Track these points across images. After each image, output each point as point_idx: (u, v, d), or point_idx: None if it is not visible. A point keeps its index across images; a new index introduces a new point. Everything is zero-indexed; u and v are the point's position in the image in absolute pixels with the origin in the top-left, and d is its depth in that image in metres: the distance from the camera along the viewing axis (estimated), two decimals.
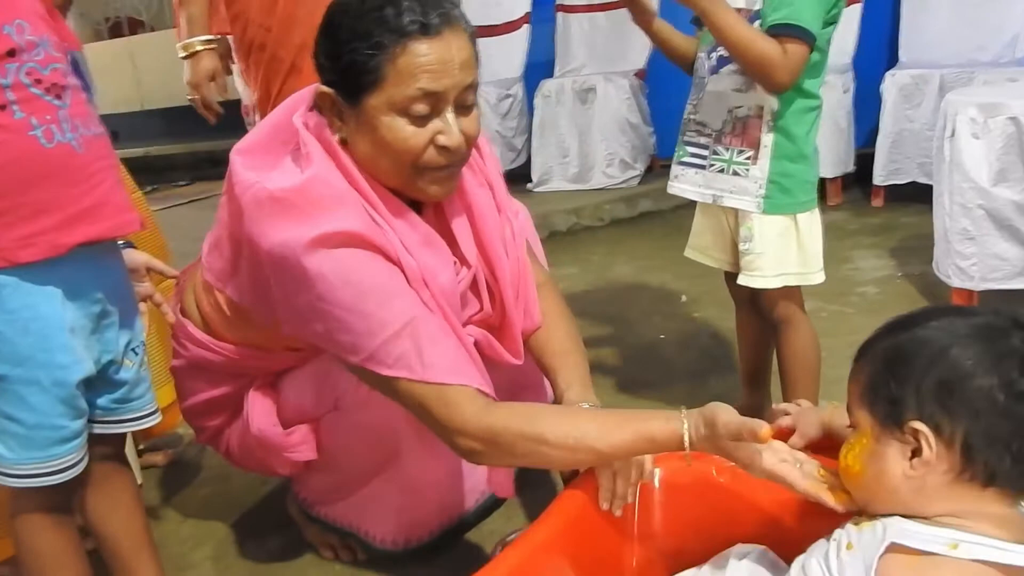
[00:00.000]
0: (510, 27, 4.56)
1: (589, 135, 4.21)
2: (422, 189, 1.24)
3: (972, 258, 2.20)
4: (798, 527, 1.17)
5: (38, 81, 1.06)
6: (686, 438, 1.06)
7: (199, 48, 2.10)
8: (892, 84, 3.42)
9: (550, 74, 4.47)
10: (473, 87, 1.21)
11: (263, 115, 2.08)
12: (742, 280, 1.61)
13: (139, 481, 1.93)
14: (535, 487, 1.70)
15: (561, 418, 1.15)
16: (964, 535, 0.86)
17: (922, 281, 2.59)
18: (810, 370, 1.63)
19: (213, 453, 1.66)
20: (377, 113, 1.17)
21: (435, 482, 1.47)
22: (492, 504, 1.60)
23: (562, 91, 4.23)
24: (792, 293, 1.61)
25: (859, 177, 3.75)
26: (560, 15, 4.49)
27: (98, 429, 1.23)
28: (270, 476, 1.59)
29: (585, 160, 4.25)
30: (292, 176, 1.20)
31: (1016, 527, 0.88)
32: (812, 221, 1.57)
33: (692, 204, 1.72)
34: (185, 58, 2.11)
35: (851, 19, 3.68)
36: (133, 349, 1.24)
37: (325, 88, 1.21)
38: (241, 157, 1.26)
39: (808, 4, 1.40)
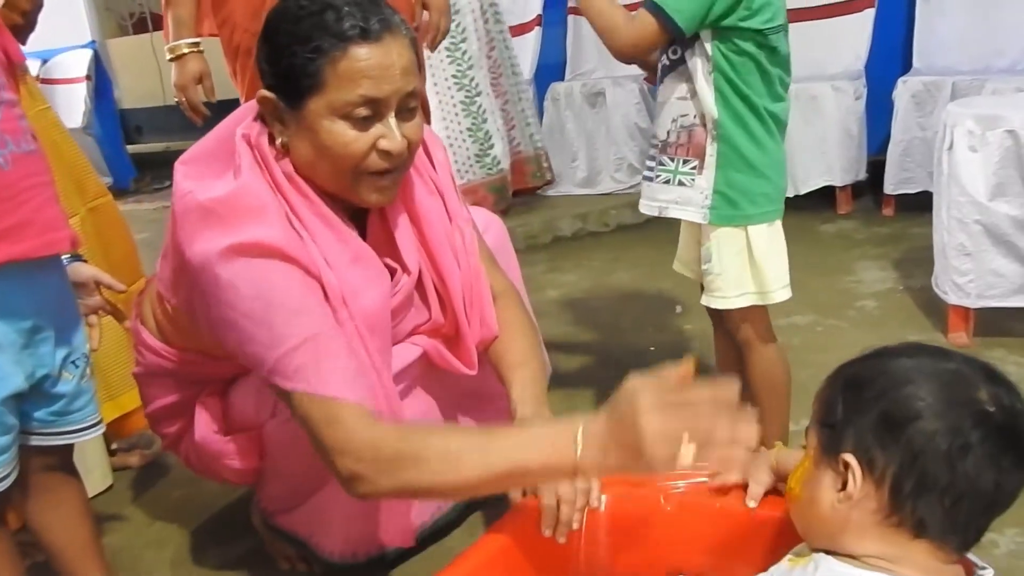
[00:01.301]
0: (522, 29, 4.52)
1: (597, 139, 4.17)
2: (362, 197, 1.23)
3: (969, 274, 2.13)
4: (742, 559, 1.14)
5: None
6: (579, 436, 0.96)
7: (185, 51, 2.09)
8: (904, 90, 3.33)
9: (562, 77, 4.42)
10: (415, 94, 1.20)
11: None
12: (704, 301, 1.57)
13: (110, 482, 1.94)
14: (498, 505, 1.66)
15: (445, 432, 1.12)
16: None
17: (923, 296, 2.51)
18: (777, 394, 1.58)
19: None
20: (318, 117, 1.16)
21: None
22: (452, 520, 1.58)
23: (571, 94, 4.19)
24: (753, 314, 1.55)
25: (872, 185, 3.67)
26: (572, 18, 4.45)
27: (36, 441, 1.21)
28: (224, 484, 1.58)
29: (593, 164, 4.21)
30: (224, 187, 1.19)
31: None
32: (770, 236, 1.52)
33: None
34: (172, 60, 2.11)
35: (864, 24, 3.61)
36: (73, 362, 1.22)
37: (266, 92, 1.20)
38: (184, 167, 1.25)
39: None
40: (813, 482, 0.90)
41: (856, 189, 3.69)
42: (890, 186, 3.44)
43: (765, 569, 1.09)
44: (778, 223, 1.54)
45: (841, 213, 3.63)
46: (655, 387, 0.92)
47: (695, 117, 1.47)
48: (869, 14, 3.59)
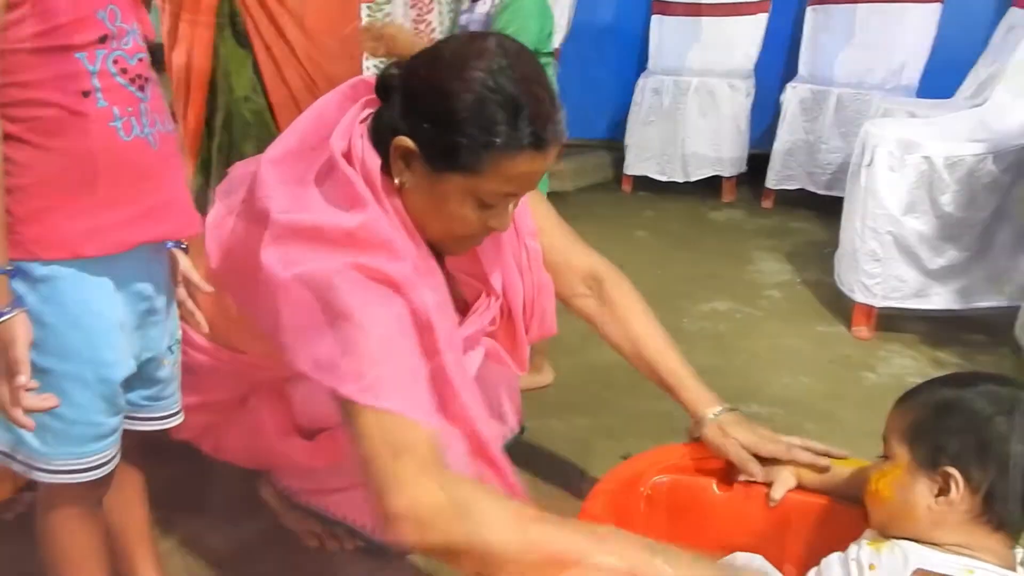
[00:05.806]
0: None
1: None
2: (449, 250, 1.31)
3: (877, 277, 2.45)
4: (786, 539, 1.33)
5: (124, 71, 1.01)
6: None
7: None
8: (793, 96, 3.68)
9: None
10: None
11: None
12: None
13: None
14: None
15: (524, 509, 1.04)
16: (976, 563, 1.04)
17: (821, 290, 2.84)
18: None
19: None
20: (455, 190, 1.17)
21: None
22: None
23: None
24: None
25: (750, 177, 4.02)
26: None
27: (124, 425, 1.19)
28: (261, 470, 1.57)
29: None
30: (336, 213, 1.16)
31: (1006, 559, 1.07)
32: None
33: None
34: None
35: (757, 28, 3.91)
36: (170, 348, 1.21)
37: (409, 143, 1.17)
38: (273, 167, 1.22)
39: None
40: (906, 488, 1.09)
41: (737, 180, 4.03)
42: (772, 181, 3.80)
43: (809, 546, 1.30)
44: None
45: (726, 201, 3.96)
46: None
47: None
48: (762, 18, 3.90)
